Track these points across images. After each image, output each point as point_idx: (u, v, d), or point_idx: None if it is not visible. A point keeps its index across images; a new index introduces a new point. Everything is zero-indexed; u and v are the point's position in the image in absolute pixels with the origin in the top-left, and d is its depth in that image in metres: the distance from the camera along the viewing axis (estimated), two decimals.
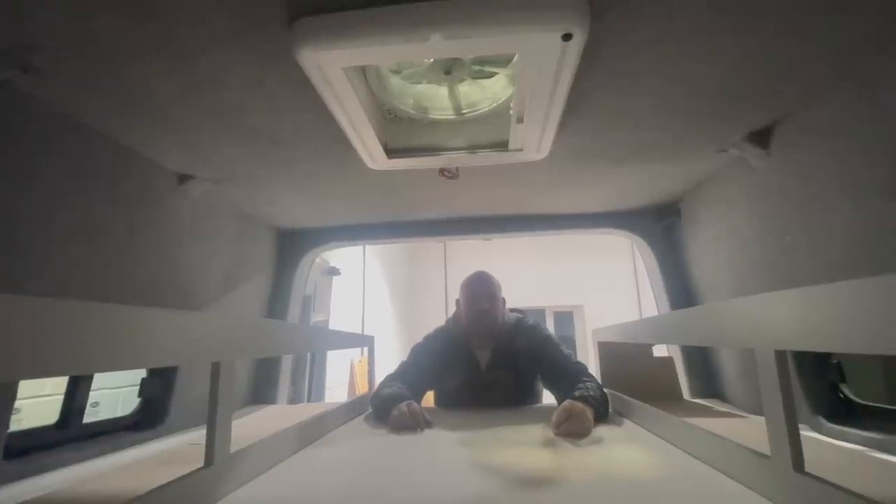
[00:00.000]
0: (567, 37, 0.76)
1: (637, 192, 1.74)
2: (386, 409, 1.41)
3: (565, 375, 1.51)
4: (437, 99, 1.14)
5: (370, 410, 1.70)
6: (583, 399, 1.28)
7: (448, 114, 1.18)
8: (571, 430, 1.19)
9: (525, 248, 6.92)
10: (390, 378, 1.60)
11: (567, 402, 1.26)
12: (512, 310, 1.77)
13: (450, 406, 1.68)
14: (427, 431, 1.29)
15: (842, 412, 1.17)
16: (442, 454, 1.06)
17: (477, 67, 1.01)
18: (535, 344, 1.63)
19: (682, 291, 1.88)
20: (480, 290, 1.64)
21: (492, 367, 1.63)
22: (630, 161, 1.42)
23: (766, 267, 1.35)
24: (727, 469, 0.84)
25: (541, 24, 0.75)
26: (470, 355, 1.65)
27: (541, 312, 7.13)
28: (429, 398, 1.75)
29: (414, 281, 7.52)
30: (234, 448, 0.83)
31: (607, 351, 1.76)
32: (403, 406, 1.34)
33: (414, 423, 1.30)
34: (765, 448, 0.72)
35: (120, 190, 1.17)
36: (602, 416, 1.33)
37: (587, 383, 1.40)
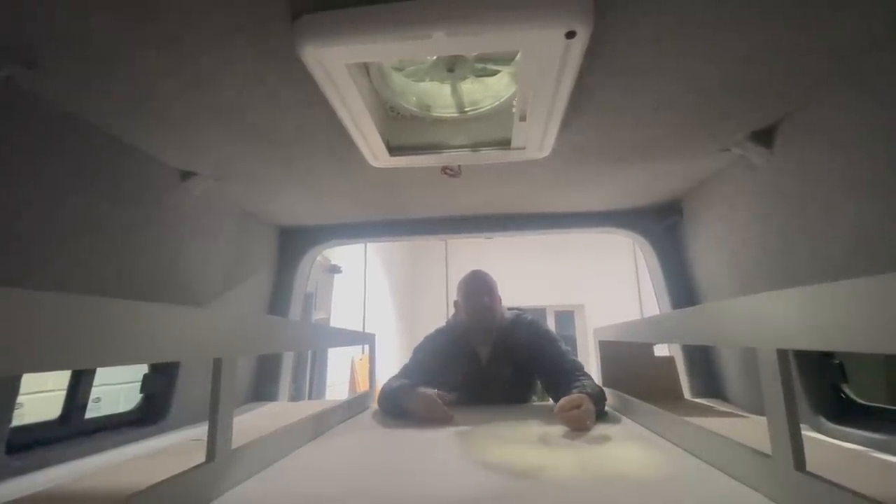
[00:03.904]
0: (570, 34, 0.76)
1: (639, 190, 1.73)
2: (398, 400, 1.45)
3: (561, 372, 1.52)
4: (439, 97, 1.13)
5: (370, 408, 1.71)
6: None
7: (451, 112, 1.18)
8: (576, 421, 1.20)
9: (526, 246, 6.93)
10: (394, 378, 1.62)
11: (576, 395, 1.27)
12: (510, 308, 1.78)
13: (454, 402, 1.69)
14: (427, 429, 1.30)
15: (843, 412, 1.16)
16: (442, 451, 1.06)
17: (480, 65, 1.01)
18: (534, 338, 1.65)
19: (683, 291, 1.88)
20: (479, 286, 1.67)
21: (492, 361, 1.66)
22: (632, 160, 1.42)
23: (768, 266, 1.35)
24: (728, 468, 0.84)
25: (544, 22, 0.75)
26: (471, 351, 1.67)
27: (542, 311, 7.13)
28: None
29: (415, 279, 7.53)
30: (235, 444, 0.84)
31: (608, 350, 1.76)
32: (431, 393, 1.40)
33: (442, 413, 1.36)
34: (766, 447, 0.72)
35: (121, 187, 1.17)
36: (598, 413, 1.34)
37: (584, 381, 1.41)
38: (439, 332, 1.77)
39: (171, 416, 1.39)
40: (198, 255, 1.50)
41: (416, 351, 1.73)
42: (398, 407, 1.46)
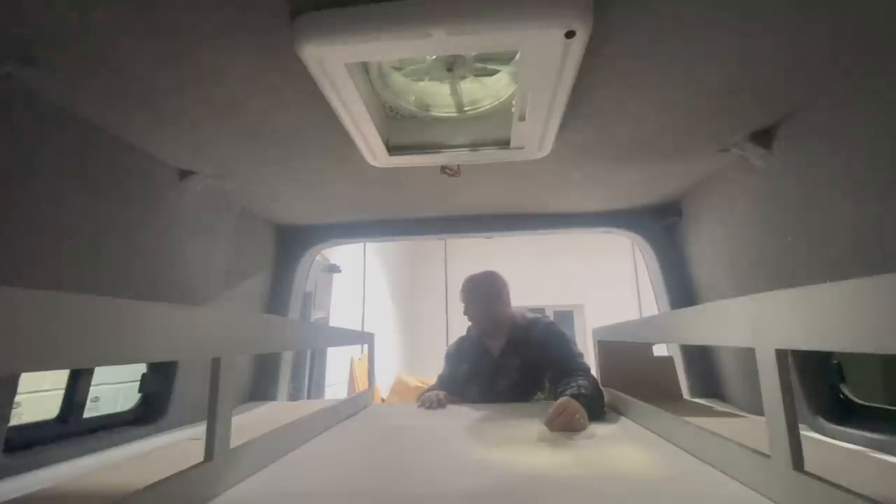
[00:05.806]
0: (570, 34, 0.76)
1: (638, 191, 1.73)
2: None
3: (565, 373, 1.53)
4: (439, 96, 1.13)
5: (369, 407, 1.72)
6: (574, 397, 1.30)
7: (450, 111, 1.18)
8: (565, 425, 1.20)
9: (526, 246, 6.92)
10: (432, 388, 1.87)
11: (560, 400, 1.28)
12: (531, 310, 1.93)
13: (464, 397, 1.80)
14: (427, 427, 1.31)
15: (842, 412, 1.16)
16: (442, 450, 1.07)
17: (479, 64, 1.01)
18: (547, 336, 1.73)
19: (682, 291, 1.88)
20: (465, 301, 1.83)
21: (503, 355, 1.77)
22: (632, 160, 1.42)
23: (766, 267, 1.35)
24: (727, 468, 0.84)
25: (544, 21, 0.75)
26: (484, 347, 1.82)
27: (541, 311, 7.12)
28: None
29: (414, 279, 7.53)
30: (233, 444, 0.84)
31: (607, 350, 1.76)
32: (432, 393, 1.69)
33: (434, 404, 1.63)
34: (765, 448, 0.72)
35: (120, 186, 1.17)
36: (595, 413, 1.34)
37: (580, 381, 1.42)
38: (461, 337, 1.97)
39: (169, 416, 1.39)
40: (196, 254, 1.49)
41: (445, 358, 1.96)
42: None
